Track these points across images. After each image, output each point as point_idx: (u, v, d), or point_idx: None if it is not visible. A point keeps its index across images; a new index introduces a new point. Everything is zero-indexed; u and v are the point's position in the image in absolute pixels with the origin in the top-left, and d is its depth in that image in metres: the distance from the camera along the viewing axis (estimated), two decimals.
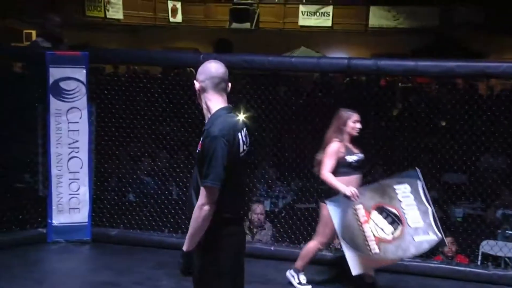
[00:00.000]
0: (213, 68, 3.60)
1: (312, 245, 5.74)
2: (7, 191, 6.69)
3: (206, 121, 3.59)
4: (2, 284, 5.54)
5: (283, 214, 7.44)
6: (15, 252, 6.36)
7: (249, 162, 3.75)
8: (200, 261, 3.56)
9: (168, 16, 23.03)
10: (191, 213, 3.51)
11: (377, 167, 8.59)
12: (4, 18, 19.44)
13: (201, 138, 3.52)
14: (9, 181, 6.80)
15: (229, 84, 3.65)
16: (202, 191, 3.45)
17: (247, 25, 21.86)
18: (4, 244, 6.45)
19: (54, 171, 6.80)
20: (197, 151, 3.55)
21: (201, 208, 3.45)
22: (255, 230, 6.99)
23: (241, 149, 3.57)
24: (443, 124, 9.25)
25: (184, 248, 3.54)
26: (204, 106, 3.62)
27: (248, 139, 3.69)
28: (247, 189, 3.61)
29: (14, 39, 19.20)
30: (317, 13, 22.51)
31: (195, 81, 3.62)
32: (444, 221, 7.46)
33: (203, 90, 3.59)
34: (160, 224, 7.02)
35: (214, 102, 3.58)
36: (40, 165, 6.85)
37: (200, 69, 3.63)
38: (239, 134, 3.56)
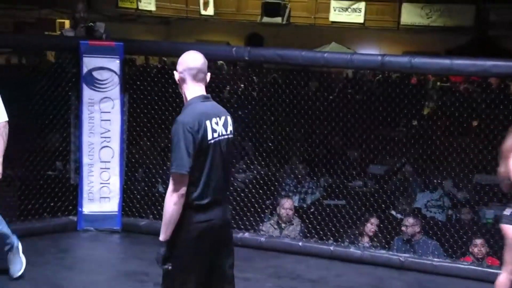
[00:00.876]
0: (191, 59, 3.70)
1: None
2: (40, 179, 6.76)
3: None
4: (36, 270, 5.61)
5: (311, 210, 7.42)
6: (46, 239, 6.44)
7: (227, 149, 3.73)
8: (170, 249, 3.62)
9: (200, 9, 23.06)
10: None
11: (407, 165, 8.55)
12: (40, 9, 19.70)
13: None
14: (41, 169, 6.86)
15: (208, 75, 3.74)
16: (171, 178, 3.54)
17: (278, 19, 21.78)
18: (36, 230, 6.53)
19: (85, 160, 6.86)
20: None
21: (171, 194, 3.52)
22: (283, 225, 6.98)
23: (210, 136, 3.59)
24: (475, 124, 9.15)
25: (161, 237, 3.59)
26: (184, 96, 3.73)
27: (226, 127, 3.71)
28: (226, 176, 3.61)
29: (47, 28, 19.48)
30: (349, 9, 22.35)
31: (175, 72, 3.71)
32: (475, 223, 7.40)
33: (182, 80, 3.69)
34: None
35: (191, 92, 3.68)
36: (72, 154, 6.92)
37: (179, 60, 3.72)
38: (208, 121, 3.60)
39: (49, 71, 7.18)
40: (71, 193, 6.89)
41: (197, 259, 3.63)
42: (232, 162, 3.88)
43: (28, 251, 5.97)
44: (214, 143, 3.62)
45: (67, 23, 19.79)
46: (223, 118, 3.70)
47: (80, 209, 6.85)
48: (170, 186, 3.52)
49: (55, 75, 6.93)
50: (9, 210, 6.51)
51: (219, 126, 3.66)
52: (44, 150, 6.94)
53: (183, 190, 3.52)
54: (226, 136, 3.71)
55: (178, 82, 3.71)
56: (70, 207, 6.86)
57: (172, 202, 3.51)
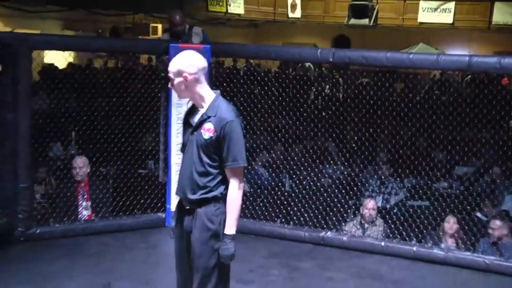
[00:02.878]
0: (200, 59, 3.80)
1: None
2: (132, 177, 7.04)
3: (205, 109, 3.76)
4: (125, 265, 5.85)
5: (395, 211, 7.39)
6: (136, 235, 6.68)
7: None
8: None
9: (287, 12, 23.23)
10: (185, 192, 3.82)
11: (495, 167, 8.37)
12: (134, 14, 20.43)
13: (207, 124, 3.71)
14: (133, 167, 7.15)
15: None
16: (236, 171, 3.71)
17: (365, 21, 21.64)
18: (127, 226, 6.81)
19: (173, 159, 7.07)
20: (209, 136, 3.70)
21: (239, 188, 3.74)
22: (366, 225, 6.99)
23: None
24: None
25: (234, 231, 3.78)
26: (195, 96, 3.79)
27: None
28: None
29: (141, 32, 20.20)
30: (438, 9, 21.93)
31: (185, 74, 3.73)
32: None
33: (196, 81, 3.75)
34: (273, 214, 7.16)
35: (206, 90, 3.80)
36: (161, 153, 7.17)
37: (187, 62, 3.74)
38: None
39: (141, 73, 7.47)
40: (160, 190, 7.14)
41: None
42: None
43: (120, 246, 6.31)
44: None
45: (159, 27, 20.45)
46: None
47: (168, 206, 7.07)
48: (239, 179, 3.72)
49: (146, 77, 7.20)
50: (103, 206, 6.86)
51: None
52: (135, 149, 7.23)
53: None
54: None
55: (188, 83, 3.74)
56: (159, 204, 7.11)
57: (241, 194, 3.74)
